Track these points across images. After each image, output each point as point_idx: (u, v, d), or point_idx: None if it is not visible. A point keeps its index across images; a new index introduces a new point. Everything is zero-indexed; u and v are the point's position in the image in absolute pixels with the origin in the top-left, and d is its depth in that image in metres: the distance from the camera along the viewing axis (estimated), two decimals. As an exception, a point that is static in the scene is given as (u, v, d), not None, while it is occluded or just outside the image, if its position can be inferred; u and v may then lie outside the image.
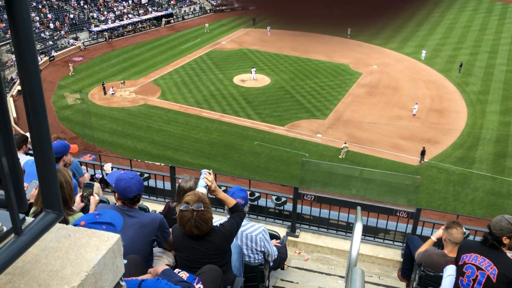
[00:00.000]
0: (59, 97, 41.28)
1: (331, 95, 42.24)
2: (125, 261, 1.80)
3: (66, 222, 3.56)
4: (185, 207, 3.63)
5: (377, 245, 7.69)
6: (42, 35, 53.29)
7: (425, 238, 6.43)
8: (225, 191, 7.57)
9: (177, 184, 7.54)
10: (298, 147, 32.82)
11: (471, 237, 6.79)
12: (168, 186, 8.50)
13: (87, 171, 8.36)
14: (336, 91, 43.09)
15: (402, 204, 7.59)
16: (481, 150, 32.58)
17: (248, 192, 6.74)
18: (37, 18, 55.17)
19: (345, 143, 31.68)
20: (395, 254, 7.51)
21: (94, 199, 4.67)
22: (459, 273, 4.66)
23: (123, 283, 1.74)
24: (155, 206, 7.77)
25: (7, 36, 48.74)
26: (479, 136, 34.44)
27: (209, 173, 4.25)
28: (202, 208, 3.63)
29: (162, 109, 39.34)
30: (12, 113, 34.91)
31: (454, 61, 50.36)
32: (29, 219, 1.48)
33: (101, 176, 8.39)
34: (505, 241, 4.35)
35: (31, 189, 4.17)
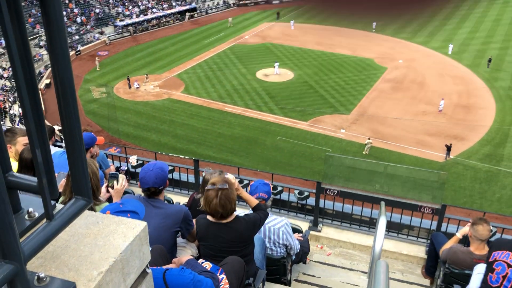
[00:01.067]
0: (85, 91, 42.03)
1: (356, 90, 41.80)
2: (150, 249, 1.83)
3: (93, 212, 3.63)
4: (211, 186, 3.80)
5: (400, 241, 7.61)
6: (69, 29, 54.28)
7: (450, 235, 6.33)
8: (248, 184, 7.64)
9: (201, 177, 7.62)
10: (321, 142, 32.63)
11: (498, 235, 6.65)
12: (191, 178, 8.58)
13: (113, 163, 8.50)
14: (361, 86, 42.62)
15: (427, 200, 7.48)
16: (510, 147, 31.76)
17: (271, 186, 6.74)
18: (64, 13, 56.16)
19: (369, 138, 31.35)
20: (419, 250, 7.41)
21: (112, 190, 4.68)
22: (489, 269, 4.57)
23: (149, 271, 1.77)
24: (179, 198, 7.87)
25: (35, 30, 49.82)
26: (508, 133, 33.57)
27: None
28: (227, 187, 3.78)
29: (186, 104, 39.65)
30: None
31: (482, 55, 49.10)
32: (60, 206, 1.52)
33: (126, 168, 8.54)
34: None
35: (60, 179, 4.29)
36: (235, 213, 4.02)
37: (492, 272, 4.49)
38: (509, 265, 4.36)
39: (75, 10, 58.47)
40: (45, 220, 1.39)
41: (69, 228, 1.59)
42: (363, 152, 30.75)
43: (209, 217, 4.00)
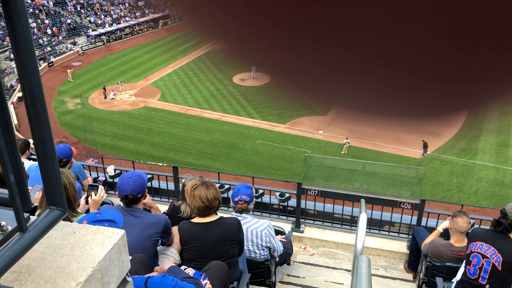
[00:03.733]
0: (60, 103, 41.33)
1: (331, 90, 42.14)
2: (130, 257, 1.80)
3: (70, 223, 3.55)
4: (196, 183, 4.04)
5: (382, 238, 7.68)
6: (40, 41, 53.33)
7: (430, 229, 6.42)
8: (229, 188, 7.61)
9: (180, 184, 7.56)
10: (300, 144, 32.80)
11: (476, 227, 6.77)
12: (171, 186, 8.50)
13: (90, 174, 8.37)
14: (336, 87, 42.99)
15: (406, 196, 7.58)
16: (484, 140, 32.51)
17: (253, 190, 6.73)
18: (34, 24, 55.21)
19: (346, 138, 31.66)
20: (401, 246, 7.50)
21: (91, 200, 4.64)
22: (467, 262, 4.66)
23: (129, 279, 1.74)
24: (159, 206, 7.78)
25: (5, 43, 48.81)
26: (481, 127, 34.35)
27: None
28: (208, 179, 4.08)
29: (163, 111, 39.37)
30: (14, 119, 34.99)
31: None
32: (34, 218, 1.48)
33: (104, 178, 8.41)
34: None
35: (35, 192, 4.20)
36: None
37: (470, 264, 4.58)
38: (483, 256, 4.45)
39: (46, 21, 57.49)
40: (18, 233, 1.35)
41: (44, 240, 1.55)
42: (342, 152, 31.03)
43: (193, 220, 4.02)
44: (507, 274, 4.35)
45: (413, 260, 6.70)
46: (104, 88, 42.63)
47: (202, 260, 3.86)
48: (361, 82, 0.51)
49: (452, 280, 4.99)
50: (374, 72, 0.47)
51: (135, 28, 63.85)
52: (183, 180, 5.60)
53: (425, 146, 30.48)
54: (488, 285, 4.44)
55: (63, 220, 1.58)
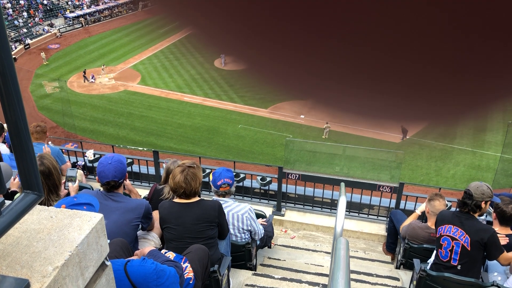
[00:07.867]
0: (37, 86, 40.45)
1: (313, 75, 42.18)
2: (108, 241, 1.78)
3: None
4: (180, 165, 4.04)
5: (361, 221, 7.80)
6: (15, 22, 51.83)
7: (408, 212, 6.54)
8: (210, 172, 7.59)
9: (161, 169, 7.52)
10: (281, 128, 32.87)
11: (453, 209, 6.91)
12: (152, 170, 8.45)
13: (69, 159, 8.26)
14: (318, 71, 43.04)
15: (386, 180, 7.69)
16: (462, 125, 32.81)
17: (234, 173, 6.73)
18: (9, 5, 53.57)
19: (327, 123, 31.82)
20: (379, 228, 7.63)
21: (72, 186, 4.59)
22: (438, 245, 4.77)
23: (108, 263, 1.73)
24: (140, 191, 7.73)
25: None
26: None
27: None
28: (195, 166, 4.01)
29: (143, 95, 38.91)
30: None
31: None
32: (9, 202, 1.45)
33: (83, 163, 8.31)
34: (483, 205, 4.47)
35: (11, 177, 4.13)
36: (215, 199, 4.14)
37: (441, 247, 4.69)
38: (452, 238, 4.56)
39: (21, 2, 55.81)
40: (-8, 217, 1.32)
41: (20, 224, 1.52)
42: (323, 137, 31.23)
43: (174, 200, 4.06)
44: (476, 254, 4.48)
45: (391, 242, 6.84)
46: (84, 72, 41.83)
47: (181, 240, 3.92)
48: (337, 80, 0.49)
49: (428, 261, 5.12)
50: (351, 70, 0.46)
51: (114, 10, 62.56)
52: (164, 165, 5.58)
53: (404, 131, 30.86)
54: (459, 266, 4.56)
55: (40, 204, 1.55)
